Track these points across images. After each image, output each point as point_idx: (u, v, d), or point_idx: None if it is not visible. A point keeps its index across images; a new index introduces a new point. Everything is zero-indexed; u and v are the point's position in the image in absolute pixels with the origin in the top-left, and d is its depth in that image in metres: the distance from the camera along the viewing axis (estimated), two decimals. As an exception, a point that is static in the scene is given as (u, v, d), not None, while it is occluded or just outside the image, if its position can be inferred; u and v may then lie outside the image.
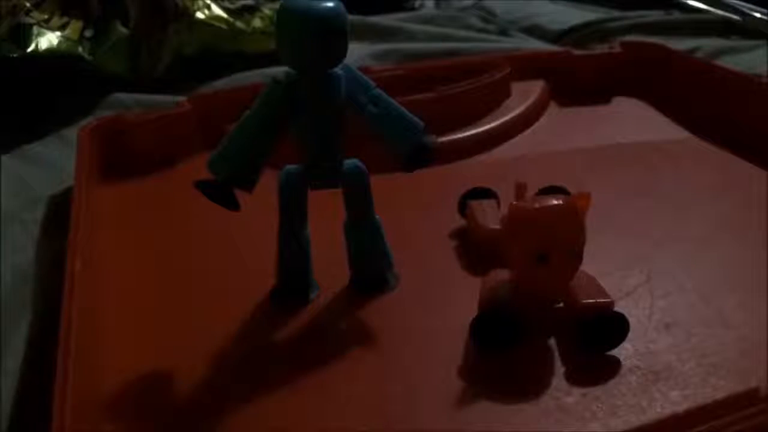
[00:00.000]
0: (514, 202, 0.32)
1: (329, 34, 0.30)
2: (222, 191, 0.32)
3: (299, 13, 0.30)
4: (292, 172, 0.34)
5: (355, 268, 0.36)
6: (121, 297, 0.36)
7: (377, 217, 0.35)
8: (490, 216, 0.39)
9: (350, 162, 0.34)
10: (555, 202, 0.32)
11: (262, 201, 0.45)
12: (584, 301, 0.31)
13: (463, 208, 0.41)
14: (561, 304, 0.33)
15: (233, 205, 0.32)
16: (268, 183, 0.47)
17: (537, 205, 0.31)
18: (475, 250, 0.39)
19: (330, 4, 0.30)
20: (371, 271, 0.36)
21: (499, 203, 0.41)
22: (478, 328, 0.31)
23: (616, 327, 0.31)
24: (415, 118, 0.33)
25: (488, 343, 0.31)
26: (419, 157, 0.33)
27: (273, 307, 0.35)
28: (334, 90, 0.32)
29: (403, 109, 0.33)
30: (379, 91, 0.33)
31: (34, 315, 0.36)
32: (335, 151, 0.34)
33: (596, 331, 0.31)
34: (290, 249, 0.35)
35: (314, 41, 0.30)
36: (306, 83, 0.32)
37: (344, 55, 0.31)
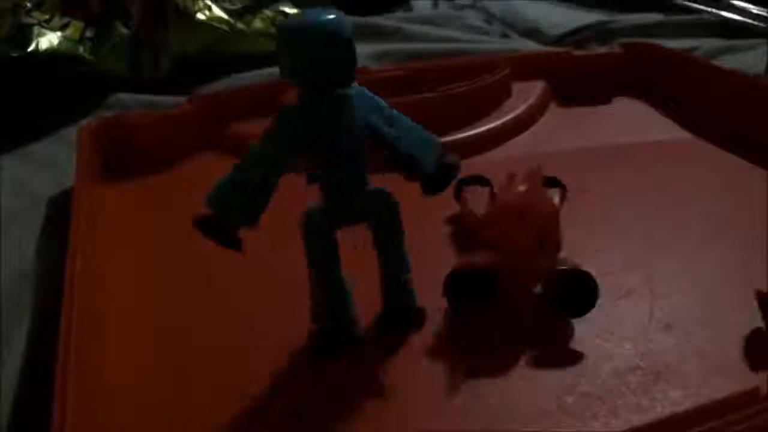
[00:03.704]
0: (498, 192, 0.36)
1: (335, 46, 0.28)
2: (222, 229, 0.29)
3: (300, 29, 0.28)
4: (315, 214, 0.31)
5: (387, 304, 0.34)
6: (122, 297, 0.36)
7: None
8: (481, 202, 0.40)
9: (377, 190, 0.31)
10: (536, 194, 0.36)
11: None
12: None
13: (458, 193, 0.42)
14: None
15: (234, 244, 0.29)
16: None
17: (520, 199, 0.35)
18: (467, 235, 0.40)
19: (330, 16, 0.28)
20: (402, 307, 0.34)
21: (492, 191, 0.41)
22: (450, 284, 0.33)
23: (584, 287, 0.33)
24: (433, 136, 0.32)
25: (459, 298, 0.33)
26: (443, 177, 0.31)
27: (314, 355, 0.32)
28: (352, 110, 0.30)
29: (419, 126, 0.31)
30: (392, 110, 0.31)
31: (35, 315, 0.36)
32: (361, 179, 0.31)
33: (565, 291, 0.33)
34: (331, 298, 0.32)
35: (320, 55, 0.28)
36: (321, 105, 0.29)
37: (354, 71, 0.29)
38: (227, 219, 0.29)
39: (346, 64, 0.29)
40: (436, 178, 0.31)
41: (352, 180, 0.30)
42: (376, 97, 0.31)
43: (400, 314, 0.33)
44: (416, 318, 0.34)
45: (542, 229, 0.35)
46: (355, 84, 0.30)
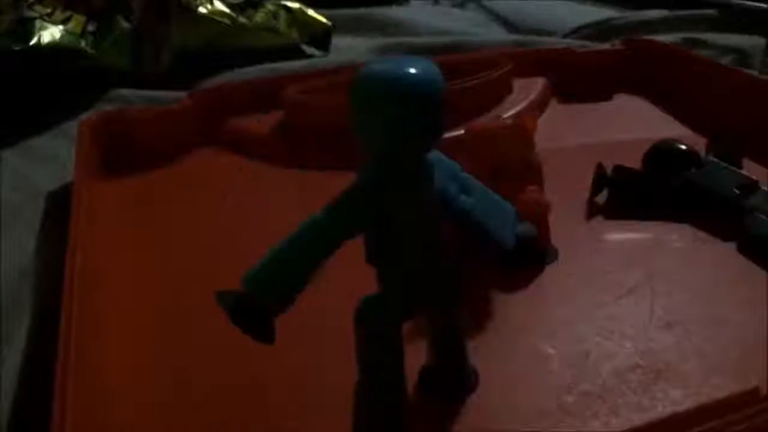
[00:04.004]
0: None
1: (428, 105, 0.22)
2: (255, 316, 0.24)
3: (393, 80, 0.22)
4: (376, 305, 0.25)
5: (434, 367, 0.29)
6: (122, 293, 0.36)
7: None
8: None
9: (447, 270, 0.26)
10: (504, 122, 0.37)
11: (261, 199, 0.45)
12: None
13: None
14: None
15: (268, 335, 0.24)
16: (269, 181, 0.47)
17: (488, 126, 0.36)
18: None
19: (425, 64, 0.23)
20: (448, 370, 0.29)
21: None
22: None
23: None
24: (507, 204, 0.28)
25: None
26: (522, 252, 0.28)
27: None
28: (431, 180, 0.24)
29: (490, 191, 0.27)
30: (465, 174, 0.26)
31: (35, 311, 0.36)
32: (437, 262, 0.26)
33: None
34: (391, 419, 0.27)
35: (413, 114, 0.22)
36: (397, 176, 0.24)
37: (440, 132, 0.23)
38: (269, 304, 0.24)
39: (435, 127, 0.23)
40: (514, 254, 0.27)
41: (429, 260, 0.25)
42: (451, 161, 0.26)
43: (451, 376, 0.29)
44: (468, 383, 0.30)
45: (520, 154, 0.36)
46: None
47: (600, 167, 0.40)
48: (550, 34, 0.80)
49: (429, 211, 0.25)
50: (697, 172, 0.41)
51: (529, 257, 0.29)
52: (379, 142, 0.23)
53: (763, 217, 0.38)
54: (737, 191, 0.40)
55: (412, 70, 0.22)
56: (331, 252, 0.24)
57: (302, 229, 0.24)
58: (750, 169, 0.43)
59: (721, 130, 0.47)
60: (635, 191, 0.42)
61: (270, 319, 0.24)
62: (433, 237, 0.25)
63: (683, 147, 0.43)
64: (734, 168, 0.42)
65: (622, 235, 0.40)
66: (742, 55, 0.68)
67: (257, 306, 0.24)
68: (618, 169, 0.42)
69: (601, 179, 0.41)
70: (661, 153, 0.43)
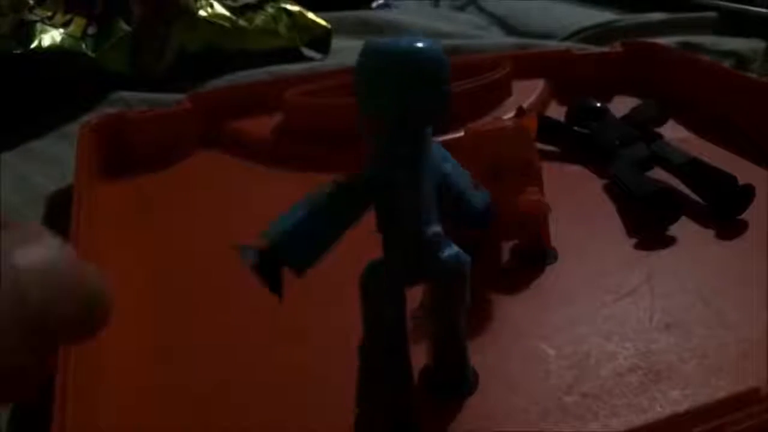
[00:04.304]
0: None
1: (434, 76, 0.24)
2: (269, 266, 0.25)
3: (398, 54, 0.23)
4: (380, 269, 0.26)
5: (435, 366, 0.30)
6: (122, 295, 0.36)
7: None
8: None
9: (451, 250, 0.27)
10: (505, 123, 0.37)
11: (261, 197, 0.45)
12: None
13: None
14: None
15: (277, 287, 0.25)
16: (268, 183, 0.47)
17: (488, 126, 0.36)
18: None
19: (429, 42, 0.24)
20: (449, 370, 0.30)
21: None
22: None
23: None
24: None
25: None
26: (488, 214, 0.30)
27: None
28: (432, 155, 0.26)
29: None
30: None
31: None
32: (436, 232, 0.26)
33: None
34: (393, 379, 0.27)
35: (422, 83, 0.23)
36: (407, 146, 0.25)
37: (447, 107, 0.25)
38: (287, 261, 0.25)
39: (443, 99, 0.24)
40: (485, 215, 0.29)
41: (430, 226, 0.26)
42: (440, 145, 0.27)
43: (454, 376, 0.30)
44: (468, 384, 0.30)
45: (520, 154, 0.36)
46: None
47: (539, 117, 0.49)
48: (549, 36, 0.81)
49: (428, 182, 0.26)
50: (597, 124, 0.51)
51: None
52: (389, 114, 0.24)
53: (624, 163, 0.45)
54: (617, 142, 0.48)
55: (418, 44, 0.23)
56: (351, 224, 0.25)
57: (324, 201, 0.25)
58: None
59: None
60: (556, 137, 0.51)
61: (278, 270, 0.25)
62: (430, 205, 0.26)
63: (596, 105, 0.53)
64: (630, 126, 0.50)
65: (621, 236, 0.40)
66: (741, 59, 0.68)
67: (277, 264, 0.25)
68: (544, 118, 0.51)
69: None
70: (577, 108, 0.53)
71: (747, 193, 0.40)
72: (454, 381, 0.30)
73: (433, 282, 0.27)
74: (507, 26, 0.87)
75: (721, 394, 0.28)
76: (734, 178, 0.41)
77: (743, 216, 0.41)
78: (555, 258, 0.38)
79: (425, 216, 0.26)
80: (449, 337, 0.29)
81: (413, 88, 0.23)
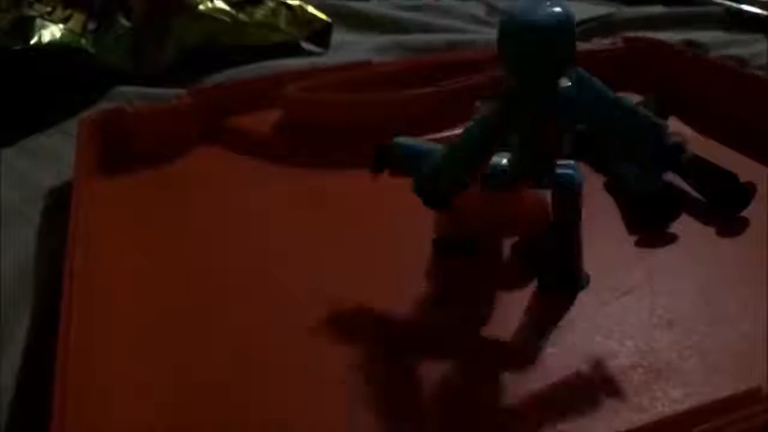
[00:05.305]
0: None
1: (550, 45, 0.28)
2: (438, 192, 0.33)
3: (520, 24, 0.28)
4: (499, 169, 0.33)
5: (545, 266, 0.36)
6: (121, 291, 0.36)
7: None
8: None
9: (566, 169, 0.33)
10: None
11: (261, 192, 0.45)
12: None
13: None
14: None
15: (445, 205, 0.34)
16: (268, 179, 0.47)
17: None
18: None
19: (556, 10, 0.28)
20: (559, 270, 0.36)
21: None
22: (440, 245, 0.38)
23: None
24: (655, 117, 0.32)
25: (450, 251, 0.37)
26: (667, 157, 0.32)
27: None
28: (556, 104, 0.30)
29: (639, 109, 0.32)
30: (613, 94, 0.31)
31: (35, 309, 0.36)
32: (550, 164, 0.33)
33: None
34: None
35: (534, 53, 0.28)
36: (526, 97, 0.30)
37: (569, 66, 0.29)
38: (445, 186, 0.33)
39: (561, 61, 0.29)
40: (660, 158, 0.32)
41: (541, 163, 0.32)
42: (597, 82, 0.31)
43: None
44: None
45: None
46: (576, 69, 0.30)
47: None
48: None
49: (552, 121, 0.31)
50: None
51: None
52: (524, 66, 0.29)
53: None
54: None
55: (542, 17, 0.28)
56: (492, 151, 0.32)
57: (468, 133, 0.32)
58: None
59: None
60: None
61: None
62: (552, 141, 0.32)
63: None
64: None
65: (622, 234, 0.40)
66: (743, 55, 0.68)
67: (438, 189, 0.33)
68: None
69: None
70: None
71: (748, 191, 0.40)
72: (568, 280, 0.35)
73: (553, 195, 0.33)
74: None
75: (722, 392, 0.28)
76: (735, 176, 0.41)
77: (744, 213, 0.40)
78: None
79: (538, 156, 0.32)
80: (564, 242, 0.34)
81: (536, 56, 0.28)
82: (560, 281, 0.35)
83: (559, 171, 0.33)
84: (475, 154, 0.32)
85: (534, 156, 0.32)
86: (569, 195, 0.33)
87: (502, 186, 0.33)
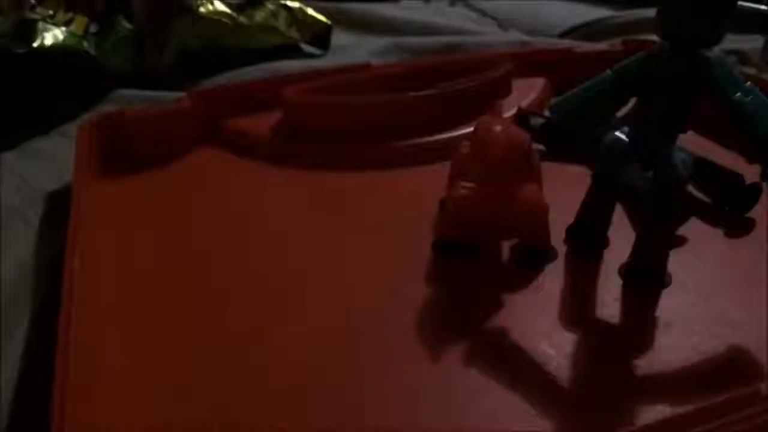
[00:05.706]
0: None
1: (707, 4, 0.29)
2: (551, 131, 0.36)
3: None
4: (618, 142, 0.34)
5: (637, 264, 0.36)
6: (121, 293, 0.36)
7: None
8: None
9: (678, 155, 0.33)
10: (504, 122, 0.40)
11: (261, 195, 0.45)
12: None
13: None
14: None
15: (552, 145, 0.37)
16: (268, 181, 0.47)
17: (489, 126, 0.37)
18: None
19: None
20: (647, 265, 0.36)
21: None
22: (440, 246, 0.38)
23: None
24: None
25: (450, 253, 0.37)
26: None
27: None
28: (695, 71, 0.31)
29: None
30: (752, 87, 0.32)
31: (35, 312, 0.36)
32: (672, 136, 0.33)
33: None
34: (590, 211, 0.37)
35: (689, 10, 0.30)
36: (668, 59, 0.32)
37: (717, 37, 0.31)
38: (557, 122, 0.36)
39: (719, 26, 0.30)
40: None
41: (664, 130, 0.33)
42: (738, 76, 0.32)
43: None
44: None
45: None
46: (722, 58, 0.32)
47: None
48: (543, 33, 0.80)
49: (686, 87, 0.32)
50: None
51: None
52: (680, 28, 0.31)
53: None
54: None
55: None
56: (624, 102, 0.35)
57: (600, 80, 0.34)
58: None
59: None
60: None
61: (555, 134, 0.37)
62: (679, 107, 0.32)
63: None
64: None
65: (621, 235, 0.40)
66: (741, 55, 0.68)
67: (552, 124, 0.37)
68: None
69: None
70: None
71: (753, 192, 0.40)
72: (653, 277, 0.35)
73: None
74: (499, 25, 0.87)
75: (723, 394, 0.28)
76: (741, 177, 0.41)
77: (749, 214, 0.41)
78: (555, 257, 0.38)
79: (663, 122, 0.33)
80: (653, 238, 0.35)
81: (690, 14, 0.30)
82: (647, 277, 0.36)
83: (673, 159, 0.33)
84: (603, 98, 0.34)
85: (652, 128, 0.33)
86: (674, 186, 0.34)
87: (619, 160, 0.34)
